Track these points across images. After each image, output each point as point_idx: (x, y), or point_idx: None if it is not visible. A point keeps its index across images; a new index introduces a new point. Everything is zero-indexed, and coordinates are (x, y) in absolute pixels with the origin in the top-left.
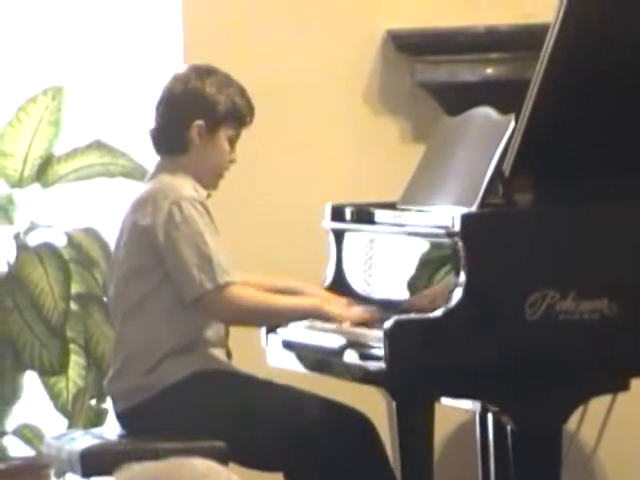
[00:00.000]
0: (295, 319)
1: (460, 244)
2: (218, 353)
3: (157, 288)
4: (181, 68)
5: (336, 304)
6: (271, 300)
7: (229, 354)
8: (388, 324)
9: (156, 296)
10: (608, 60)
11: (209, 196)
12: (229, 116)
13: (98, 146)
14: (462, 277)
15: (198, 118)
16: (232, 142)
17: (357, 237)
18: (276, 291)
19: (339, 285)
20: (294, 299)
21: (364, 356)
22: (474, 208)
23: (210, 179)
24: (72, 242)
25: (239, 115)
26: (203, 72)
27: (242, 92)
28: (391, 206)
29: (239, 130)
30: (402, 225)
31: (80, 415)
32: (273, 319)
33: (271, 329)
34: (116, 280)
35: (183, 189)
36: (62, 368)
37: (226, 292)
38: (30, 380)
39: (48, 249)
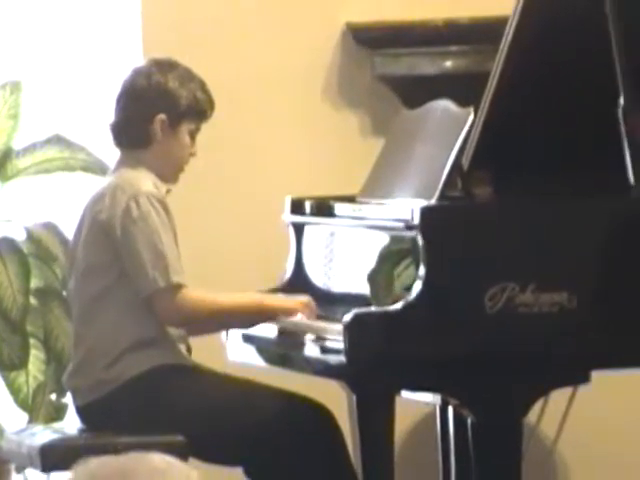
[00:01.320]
0: (242, 319)
1: (419, 237)
2: (179, 349)
3: (116, 283)
4: (141, 62)
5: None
6: (218, 300)
7: (189, 349)
8: (348, 317)
9: (115, 291)
10: (567, 53)
11: (169, 191)
12: (191, 110)
13: (57, 140)
14: (421, 270)
15: (160, 112)
16: (193, 136)
17: (317, 230)
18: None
19: (299, 279)
20: (236, 296)
21: (324, 349)
22: (433, 201)
23: (171, 173)
24: (31, 237)
25: (200, 109)
26: (165, 66)
27: (203, 86)
28: (351, 199)
29: (200, 124)
30: (362, 218)
31: (40, 410)
32: (221, 320)
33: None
34: (75, 275)
35: (142, 184)
36: (22, 363)
37: (176, 294)
38: None
39: (7, 244)
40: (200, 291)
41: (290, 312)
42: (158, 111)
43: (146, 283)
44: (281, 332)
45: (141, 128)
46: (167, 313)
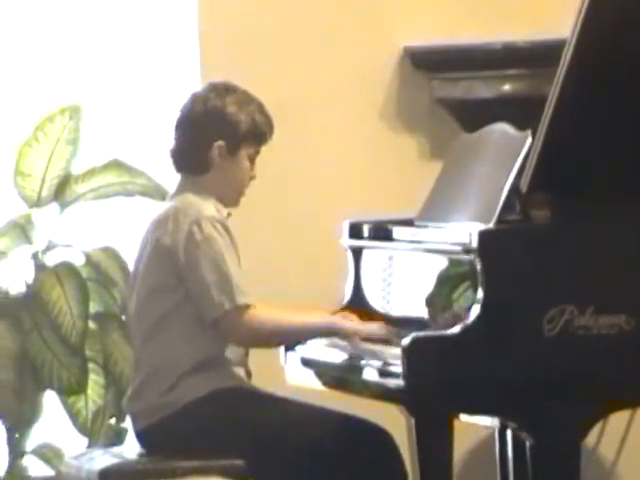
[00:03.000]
0: (311, 337)
1: (477, 260)
2: (238, 372)
3: (177, 307)
4: (199, 87)
5: (351, 321)
6: (287, 320)
7: (249, 373)
8: (406, 341)
9: (176, 315)
10: (625, 76)
11: (229, 215)
12: (250, 134)
13: (116, 165)
14: (480, 293)
15: (219, 138)
16: (252, 159)
17: (375, 254)
18: None
19: (358, 302)
20: (309, 316)
21: (383, 373)
22: (491, 224)
23: (232, 197)
24: (90, 261)
25: (259, 132)
26: (222, 90)
27: (262, 109)
28: (409, 223)
29: (259, 147)
30: (420, 242)
31: (99, 434)
32: (289, 339)
33: (289, 347)
34: (136, 298)
35: (204, 208)
36: (81, 387)
37: (244, 315)
38: (49, 399)
39: (66, 268)
40: (268, 310)
41: (363, 335)
42: (216, 137)
43: (212, 306)
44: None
45: (200, 154)
46: (236, 333)
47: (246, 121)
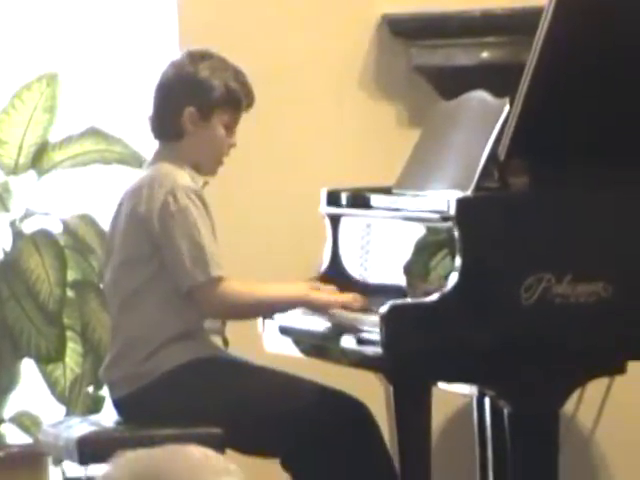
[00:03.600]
0: (285, 310)
1: (455, 228)
2: (215, 341)
3: (154, 277)
4: (177, 54)
5: (324, 292)
6: (260, 293)
7: (226, 342)
8: (384, 308)
9: (153, 285)
10: (604, 42)
11: (206, 183)
12: (223, 101)
13: (93, 133)
14: (457, 261)
15: (190, 104)
16: (229, 127)
17: (353, 222)
18: None
19: (335, 270)
20: (283, 289)
21: (360, 341)
22: (469, 192)
23: (208, 165)
24: (68, 229)
25: (233, 99)
26: (197, 57)
27: (238, 76)
28: (387, 191)
29: (236, 115)
30: (398, 209)
31: (77, 402)
32: (263, 311)
33: (266, 316)
34: (112, 267)
35: (179, 178)
36: (59, 355)
37: (217, 287)
38: (27, 367)
39: (44, 236)
40: (241, 283)
41: (336, 307)
42: (187, 103)
43: (186, 278)
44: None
45: (172, 121)
46: (209, 306)
47: (219, 87)
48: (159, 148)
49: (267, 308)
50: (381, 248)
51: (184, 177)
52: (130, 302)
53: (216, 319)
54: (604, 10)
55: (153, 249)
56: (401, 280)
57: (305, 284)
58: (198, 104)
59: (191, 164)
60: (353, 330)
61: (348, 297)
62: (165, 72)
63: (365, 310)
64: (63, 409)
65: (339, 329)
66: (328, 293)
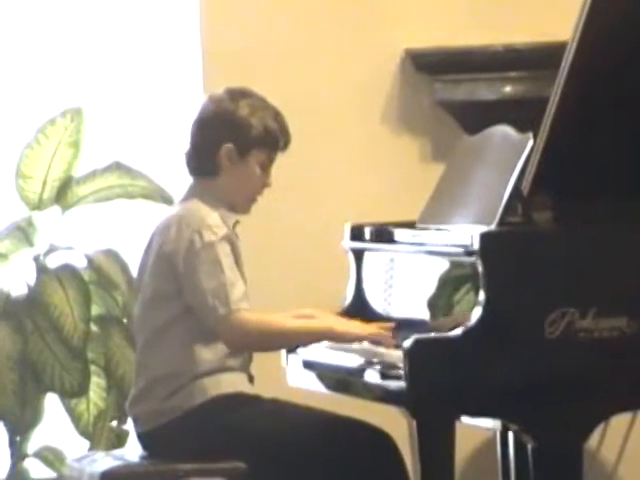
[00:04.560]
0: (309, 342)
1: (479, 262)
2: (240, 378)
3: (180, 314)
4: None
5: (350, 325)
6: (282, 324)
7: (251, 378)
8: (408, 343)
9: (179, 322)
10: (626, 77)
11: (237, 222)
12: (260, 140)
13: (117, 167)
14: (481, 296)
15: (228, 141)
16: (265, 166)
17: (377, 256)
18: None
19: (359, 305)
20: (305, 322)
21: (384, 375)
22: (493, 226)
23: (242, 203)
24: (92, 264)
25: (271, 139)
26: (237, 94)
27: (276, 116)
28: (410, 225)
29: (272, 154)
30: (421, 244)
31: (101, 437)
32: (286, 343)
33: (290, 349)
34: (141, 302)
35: (207, 217)
36: (83, 390)
37: (238, 320)
38: (51, 402)
39: (68, 271)
40: (265, 315)
41: (362, 340)
42: (225, 140)
43: (208, 313)
44: (370, 364)
45: (208, 157)
46: (232, 339)
47: (257, 126)
48: (192, 184)
49: (291, 340)
50: (405, 282)
51: (213, 216)
52: (156, 338)
53: (239, 351)
54: (628, 45)
55: (179, 287)
56: (425, 314)
57: (331, 316)
58: (236, 141)
59: (224, 202)
60: (377, 365)
61: (373, 329)
62: (204, 107)
63: (392, 341)
64: (87, 444)
65: (363, 364)
66: (354, 326)
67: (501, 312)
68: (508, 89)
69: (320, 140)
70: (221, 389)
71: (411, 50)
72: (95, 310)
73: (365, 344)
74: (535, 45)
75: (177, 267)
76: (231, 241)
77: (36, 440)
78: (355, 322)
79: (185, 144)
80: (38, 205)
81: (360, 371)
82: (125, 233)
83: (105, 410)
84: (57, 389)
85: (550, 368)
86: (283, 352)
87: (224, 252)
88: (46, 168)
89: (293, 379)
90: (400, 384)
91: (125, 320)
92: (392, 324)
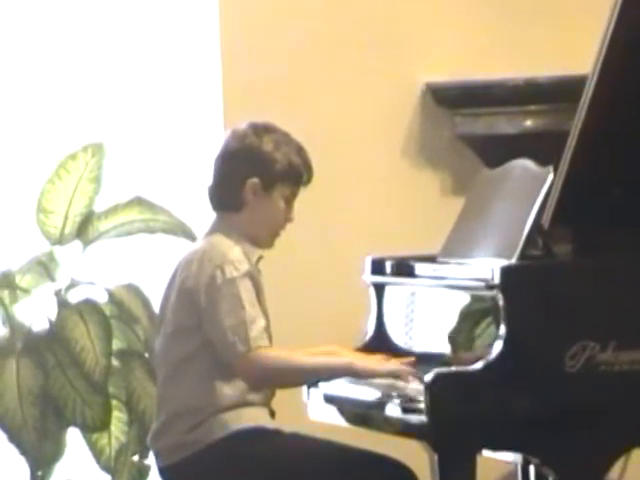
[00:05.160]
0: (328, 378)
1: (500, 296)
2: (262, 412)
3: (201, 348)
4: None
5: (371, 361)
6: (300, 361)
7: (272, 413)
8: (429, 377)
9: (200, 356)
10: None
11: (261, 257)
12: (285, 175)
13: (138, 202)
14: (502, 329)
15: (253, 176)
16: (288, 201)
17: (397, 290)
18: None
19: (380, 339)
20: (324, 358)
21: (405, 409)
22: (513, 260)
23: (265, 238)
24: (113, 298)
25: (295, 174)
26: (261, 129)
27: (300, 151)
28: (431, 259)
29: (296, 189)
30: (442, 278)
31: (123, 471)
32: (304, 380)
33: (311, 384)
34: (163, 337)
35: (230, 252)
36: (104, 424)
37: (257, 357)
38: (72, 437)
39: (89, 306)
40: (283, 352)
41: (381, 376)
42: (251, 174)
43: (226, 348)
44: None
45: (233, 191)
46: (249, 376)
47: (281, 161)
48: (216, 219)
49: (309, 377)
50: (426, 316)
51: (235, 251)
52: (177, 372)
53: (257, 388)
54: None
55: (199, 322)
56: (446, 348)
57: (350, 353)
58: (261, 176)
59: (248, 237)
60: (398, 399)
61: (392, 365)
62: (228, 142)
63: (411, 376)
64: (109, 478)
65: (384, 398)
66: (375, 361)
67: (522, 346)
68: (528, 123)
69: (340, 173)
70: (242, 423)
71: (432, 84)
72: (116, 345)
73: (386, 379)
74: (555, 79)
75: (198, 302)
76: (253, 276)
77: (58, 475)
78: (375, 357)
79: (208, 179)
80: (59, 240)
81: (381, 405)
82: (146, 268)
83: (127, 444)
84: (78, 424)
85: (570, 401)
86: (304, 386)
87: (245, 288)
88: (67, 203)
89: (314, 413)
90: (421, 418)
91: (146, 354)
92: (412, 359)
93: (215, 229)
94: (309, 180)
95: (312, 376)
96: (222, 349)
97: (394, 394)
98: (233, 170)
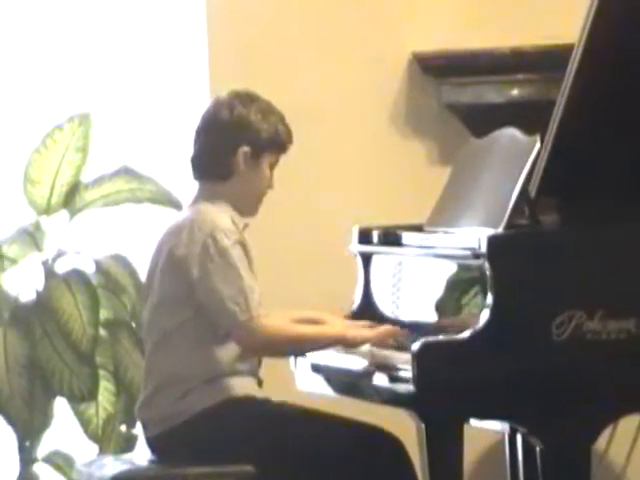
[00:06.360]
0: (323, 348)
1: (487, 265)
2: (250, 382)
3: (189, 318)
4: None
5: (359, 329)
6: (300, 331)
7: (260, 382)
8: (416, 346)
9: (188, 327)
10: (633, 79)
11: (247, 225)
12: (272, 143)
13: (125, 172)
14: (489, 298)
15: (244, 145)
16: (272, 168)
17: (384, 260)
18: (298, 322)
19: (367, 308)
20: (319, 328)
21: (393, 378)
22: (500, 229)
23: (250, 206)
24: (100, 268)
25: (281, 142)
26: (246, 98)
27: (283, 119)
28: (418, 228)
29: (279, 157)
30: (429, 247)
31: (110, 441)
32: (302, 349)
33: (299, 353)
34: (150, 307)
35: (219, 220)
36: (92, 394)
37: (257, 326)
38: (60, 407)
39: (76, 276)
40: (282, 321)
41: (374, 341)
42: (241, 143)
43: (227, 318)
44: (377, 367)
45: (224, 160)
46: (250, 345)
47: (269, 130)
48: (201, 188)
49: (307, 346)
50: (413, 286)
51: (224, 219)
52: (165, 342)
53: (256, 356)
54: (635, 46)
55: (190, 291)
56: (433, 317)
57: (339, 320)
58: (251, 144)
59: (233, 205)
60: (385, 368)
61: (382, 330)
62: (213, 111)
63: (402, 342)
64: (96, 448)
65: (371, 367)
66: (363, 329)
67: (509, 314)
68: (515, 92)
69: (327, 143)
70: (230, 393)
71: (418, 53)
72: (103, 315)
73: (374, 348)
74: (542, 48)
75: (189, 271)
76: (243, 244)
77: (45, 445)
78: (360, 324)
79: (193, 148)
80: (46, 210)
81: (368, 374)
82: (133, 237)
83: (114, 414)
84: (66, 394)
85: (558, 370)
86: (292, 356)
87: (239, 256)
88: (54, 173)
89: (302, 383)
90: (408, 387)
91: (133, 324)
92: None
93: (200, 198)
94: (289, 147)
95: (310, 345)
96: (220, 319)
97: (381, 363)
98: (224, 140)
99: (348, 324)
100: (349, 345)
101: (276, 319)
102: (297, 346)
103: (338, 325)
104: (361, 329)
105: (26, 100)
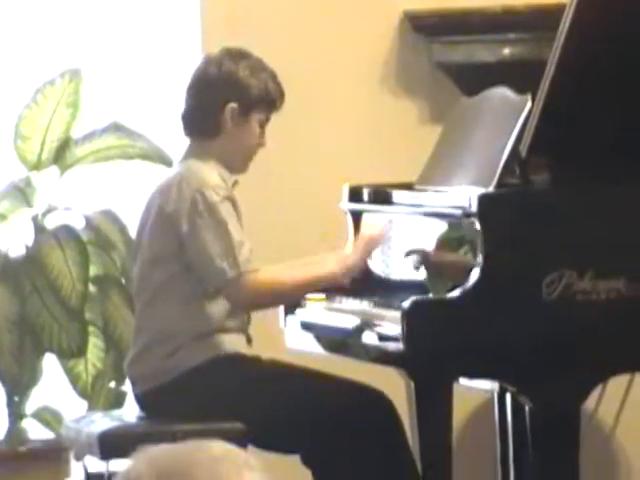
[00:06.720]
0: (319, 289)
1: (477, 224)
2: (239, 339)
3: (179, 275)
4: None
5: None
6: (292, 278)
7: (249, 339)
8: (405, 304)
9: (178, 283)
10: (627, 36)
11: (236, 183)
12: (261, 100)
13: (116, 128)
14: (479, 257)
15: (231, 101)
16: (262, 126)
17: (375, 218)
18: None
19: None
20: (310, 273)
21: (382, 337)
22: (491, 188)
23: (240, 163)
24: (90, 224)
25: (270, 99)
26: (237, 55)
27: (274, 77)
28: (408, 187)
29: (269, 114)
30: (419, 205)
31: (99, 397)
32: (298, 295)
33: (289, 310)
34: (140, 263)
35: (208, 177)
36: (81, 350)
37: (247, 281)
38: (49, 363)
39: (66, 232)
40: (271, 271)
41: (368, 256)
42: (229, 99)
43: (216, 275)
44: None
45: (211, 117)
46: (242, 301)
47: (258, 86)
48: (190, 145)
49: (301, 291)
50: (403, 244)
51: (213, 176)
52: (154, 299)
53: (248, 311)
54: (628, 5)
55: (179, 248)
56: (423, 276)
57: (329, 256)
58: (239, 101)
59: (223, 162)
60: (375, 326)
61: (364, 245)
62: (203, 68)
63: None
64: (85, 404)
65: (361, 325)
66: (351, 254)
67: (499, 273)
68: (506, 51)
69: (318, 102)
70: (220, 350)
71: (409, 12)
72: (93, 271)
73: (364, 306)
74: (533, 7)
75: (179, 227)
76: (232, 200)
77: (34, 401)
78: (346, 249)
79: (183, 105)
80: (36, 165)
81: (358, 332)
82: (123, 194)
83: (103, 371)
84: (55, 350)
85: (548, 329)
86: (281, 313)
87: (228, 212)
88: (44, 129)
89: (291, 340)
90: (398, 346)
91: (123, 281)
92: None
93: (190, 155)
94: (281, 105)
95: (303, 290)
96: (209, 275)
97: (371, 321)
98: (212, 96)
99: (339, 256)
100: (331, 282)
101: (266, 272)
102: (293, 294)
103: (329, 262)
104: (346, 259)
105: (16, 56)
